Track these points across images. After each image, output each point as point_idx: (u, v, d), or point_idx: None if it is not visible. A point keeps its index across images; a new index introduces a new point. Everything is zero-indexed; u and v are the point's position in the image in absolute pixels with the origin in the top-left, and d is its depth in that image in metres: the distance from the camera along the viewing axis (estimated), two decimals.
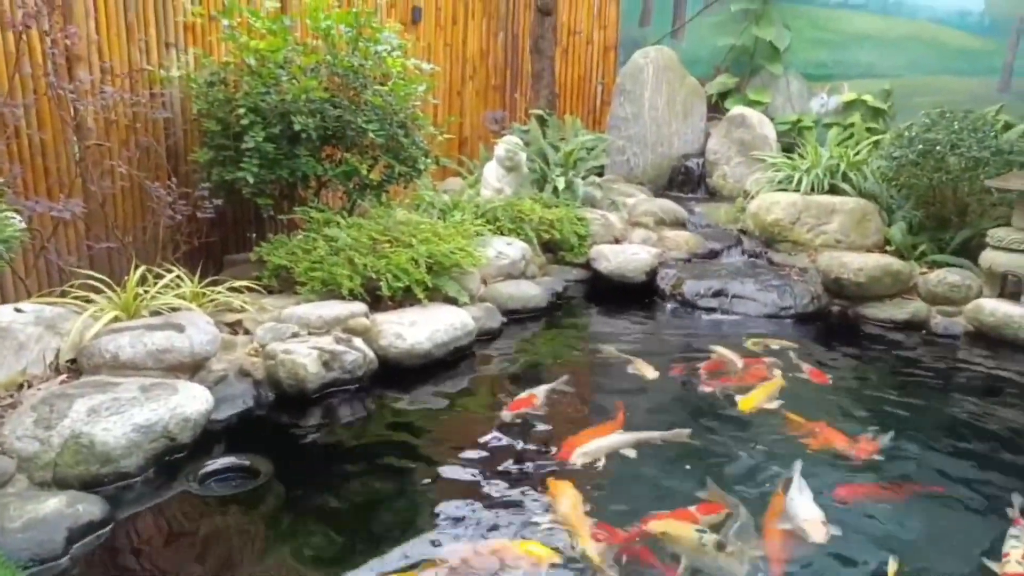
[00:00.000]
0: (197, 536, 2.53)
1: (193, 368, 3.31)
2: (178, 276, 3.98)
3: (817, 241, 6.22)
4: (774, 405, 3.73)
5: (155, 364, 3.16)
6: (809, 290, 5.62)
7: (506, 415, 3.46)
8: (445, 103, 8.01)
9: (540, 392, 3.69)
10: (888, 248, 6.11)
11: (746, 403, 3.72)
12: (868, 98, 7.54)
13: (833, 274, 5.59)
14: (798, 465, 2.98)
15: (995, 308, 5.05)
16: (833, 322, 5.56)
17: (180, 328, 3.29)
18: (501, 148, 6.86)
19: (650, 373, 4.16)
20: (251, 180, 4.39)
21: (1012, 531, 2.63)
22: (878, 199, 6.38)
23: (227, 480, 2.81)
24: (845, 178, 6.53)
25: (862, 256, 5.70)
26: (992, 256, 5.19)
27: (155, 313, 3.61)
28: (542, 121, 7.87)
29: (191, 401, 2.92)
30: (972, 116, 5.77)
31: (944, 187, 5.77)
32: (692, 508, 2.68)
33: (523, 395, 3.64)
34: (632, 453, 3.10)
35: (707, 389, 3.97)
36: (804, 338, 5.17)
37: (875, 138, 7.04)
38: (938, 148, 5.55)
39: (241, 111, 4.36)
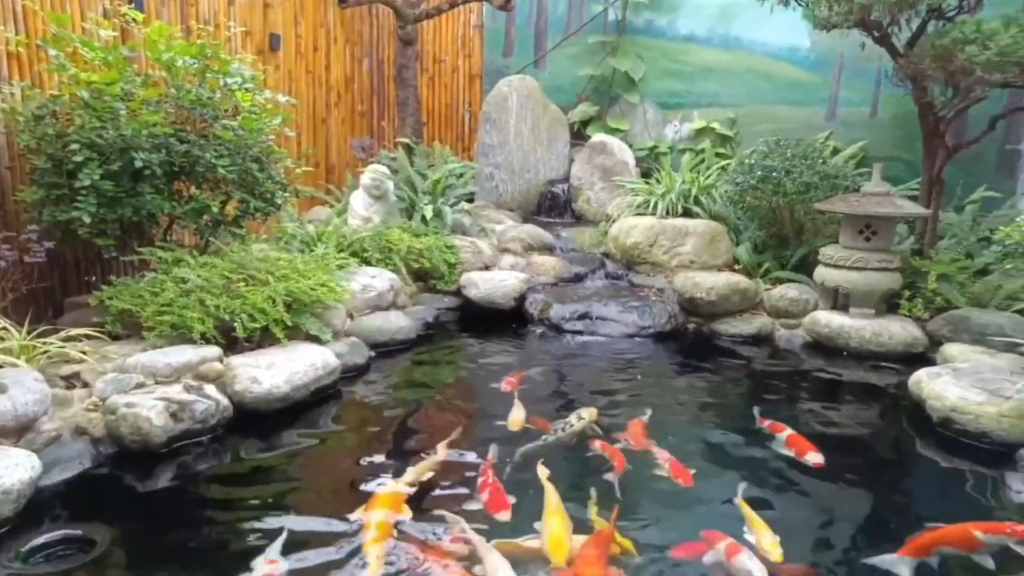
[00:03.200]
0: None
1: (18, 432, 3.04)
2: (3, 328, 3.66)
3: (673, 262, 6.55)
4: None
5: None
6: (667, 310, 5.91)
7: None
8: (310, 131, 7.86)
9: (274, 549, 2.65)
10: (737, 267, 6.53)
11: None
12: (716, 125, 8.07)
13: (687, 293, 5.92)
14: None
15: (829, 320, 5.50)
16: (689, 339, 5.88)
17: (1, 388, 3.02)
18: (368, 176, 6.80)
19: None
20: (87, 220, 4.12)
21: None
22: (727, 221, 6.82)
23: (57, 555, 2.58)
24: (697, 201, 6.93)
25: (713, 275, 6.06)
26: (824, 272, 5.66)
27: None
28: (409, 149, 7.88)
29: (12, 470, 2.67)
30: (803, 144, 6.30)
31: (782, 209, 6.25)
32: None
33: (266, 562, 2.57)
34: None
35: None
36: (663, 356, 5.44)
37: (723, 163, 7.54)
38: (774, 174, 6.01)
39: (74, 147, 4.08)
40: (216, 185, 4.80)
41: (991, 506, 3.21)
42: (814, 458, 3.47)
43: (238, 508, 3.01)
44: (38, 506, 2.83)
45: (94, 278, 4.77)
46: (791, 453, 3.56)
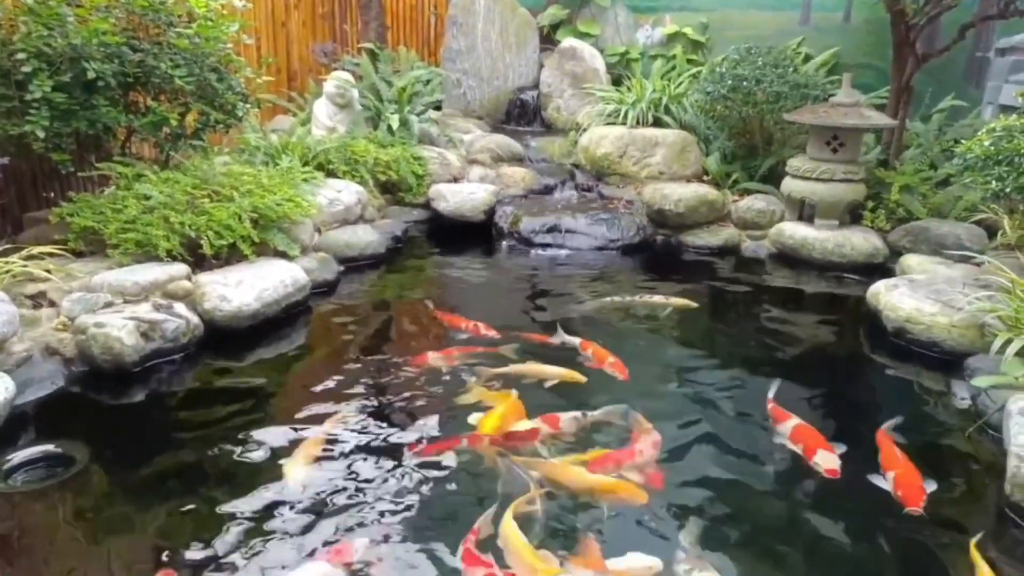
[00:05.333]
0: (3, 538, 2.36)
1: None
2: None
3: (643, 173, 6.54)
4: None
5: None
6: (635, 222, 5.94)
7: None
8: (269, 35, 7.53)
9: None
10: (706, 177, 6.55)
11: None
12: (688, 31, 7.87)
13: (656, 205, 5.95)
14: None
15: (793, 231, 5.59)
16: (657, 251, 5.96)
17: None
18: (331, 84, 6.59)
19: None
20: (41, 135, 3.96)
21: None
22: (697, 130, 6.78)
23: (37, 472, 2.64)
24: (667, 111, 6.86)
25: (681, 187, 6.08)
26: (790, 184, 5.71)
27: None
28: (373, 55, 7.61)
29: None
30: (775, 52, 6.21)
31: (752, 119, 6.23)
32: None
33: None
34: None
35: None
36: (630, 268, 5.52)
37: (694, 70, 7.41)
38: (745, 83, 5.95)
39: (21, 56, 3.88)
40: (174, 96, 4.64)
41: (935, 411, 3.42)
42: (826, 462, 2.75)
43: (212, 424, 3.07)
44: (14, 425, 2.87)
45: (52, 194, 4.64)
46: (797, 449, 2.88)
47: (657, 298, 4.62)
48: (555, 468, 2.68)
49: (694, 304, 4.53)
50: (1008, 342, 3.23)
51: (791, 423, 3.04)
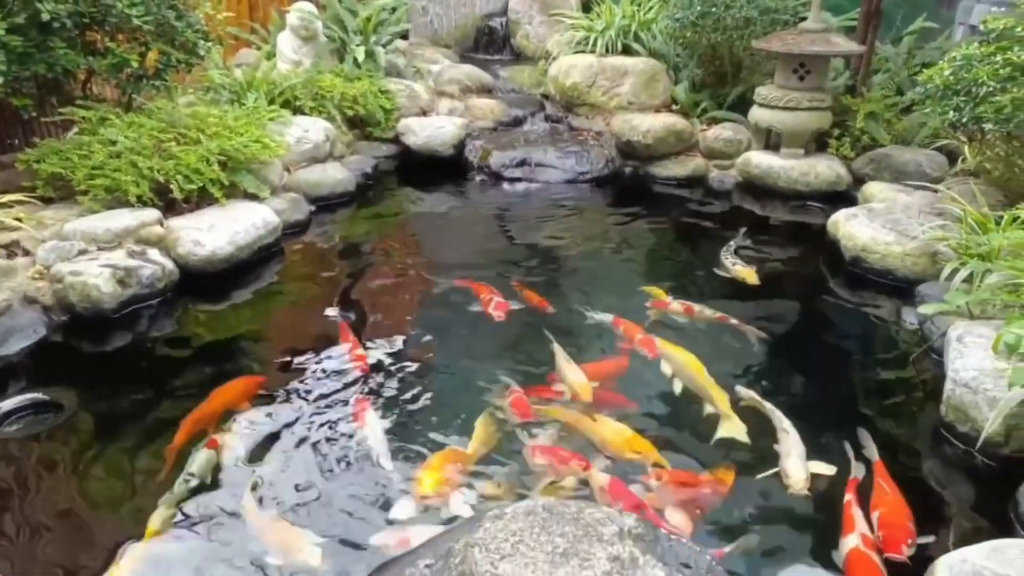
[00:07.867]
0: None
1: None
2: None
3: (612, 103, 6.53)
4: None
5: None
6: (604, 154, 5.98)
7: None
8: None
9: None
10: (675, 107, 6.55)
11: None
12: None
13: (624, 137, 5.99)
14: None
15: (760, 160, 5.67)
16: (626, 182, 6.02)
17: None
18: (294, 16, 6.43)
19: None
20: (0, 80, 3.89)
21: None
22: (666, 58, 6.73)
23: (27, 419, 2.74)
24: (637, 38, 6.77)
25: (650, 117, 6.10)
26: (757, 112, 5.75)
27: None
28: None
29: None
30: None
31: (722, 46, 6.19)
32: None
33: None
34: None
35: None
36: (600, 200, 5.60)
37: None
38: (714, 9, 5.89)
39: None
40: (133, 36, 4.53)
41: (884, 336, 3.61)
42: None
43: (193, 367, 3.18)
44: (2, 374, 2.97)
45: (16, 140, 4.58)
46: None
47: (723, 259, 4.34)
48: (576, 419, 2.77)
49: (755, 281, 4.06)
50: (956, 270, 3.37)
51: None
